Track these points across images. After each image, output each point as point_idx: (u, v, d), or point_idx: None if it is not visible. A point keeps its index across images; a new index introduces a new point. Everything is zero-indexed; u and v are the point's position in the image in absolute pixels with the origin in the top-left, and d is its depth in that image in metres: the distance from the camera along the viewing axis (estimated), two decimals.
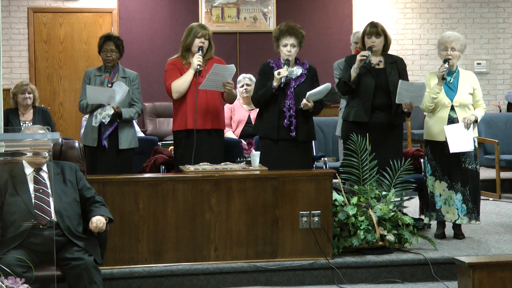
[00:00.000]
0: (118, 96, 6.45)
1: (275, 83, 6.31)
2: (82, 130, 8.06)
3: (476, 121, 6.50)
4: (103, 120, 6.45)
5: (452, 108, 6.48)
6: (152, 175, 6.07)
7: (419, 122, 10.65)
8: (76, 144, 5.43)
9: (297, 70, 6.41)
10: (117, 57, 6.67)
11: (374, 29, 6.51)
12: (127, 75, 6.68)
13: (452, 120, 6.48)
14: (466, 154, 6.47)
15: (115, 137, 6.55)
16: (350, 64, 6.52)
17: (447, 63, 6.45)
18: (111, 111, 6.45)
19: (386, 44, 6.58)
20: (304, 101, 6.26)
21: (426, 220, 6.69)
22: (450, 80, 6.51)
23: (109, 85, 6.56)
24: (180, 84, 6.45)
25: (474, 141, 6.52)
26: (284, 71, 6.31)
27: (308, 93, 6.26)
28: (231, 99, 6.69)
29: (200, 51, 6.45)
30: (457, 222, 6.52)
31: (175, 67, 6.53)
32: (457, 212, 6.49)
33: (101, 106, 6.50)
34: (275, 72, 6.32)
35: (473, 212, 6.50)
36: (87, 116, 8.20)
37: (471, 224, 6.55)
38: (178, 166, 6.28)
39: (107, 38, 6.66)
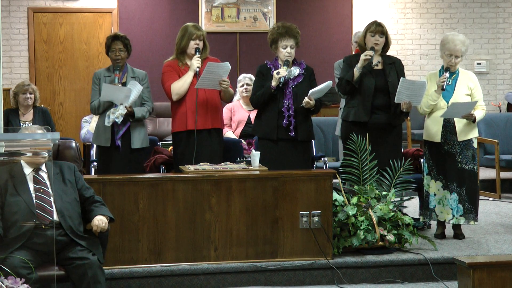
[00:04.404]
0: (133, 96, 6.44)
1: (273, 83, 6.32)
2: (83, 131, 8.08)
3: (474, 120, 6.47)
4: (117, 120, 6.42)
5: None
6: (152, 175, 6.07)
7: (419, 122, 10.65)
8: (73, 144, 5.44)
9: (295, 70, 6.41)
10: (125, 56, 6.67)
11: (380, 28, 6.50)
12: (136, 74, 6.68)
13: (448, 120, 6.47)
14: (463, 155, 6.46)
15: (127, 137, 6.55)
16: (349, 64, 6.53)
17: (448, 71, 6.43)
18: (124, 111, 6.42)
19: (387, 45, 6.58)
20: (306, 99, 6.27)
21: (421, 219, 6.70)
22: (449, 81, 6.48)
23: (119, 85, 6.55)
24: (180, 86, 6.45)
25: (473, 142, 6.52)
26: (283, 71, 6.31)
27: (310, 91, 6.27)
28: (228, 97, 6.69)
29: (197, 53, 6.45)
30: (452, 222, 6.51)
31: (172, 69, 6.53)
32: (451, 212, 6.48)
33: (113, 106, 6.49)
34: (274, 72, 6.33)
35: (471, 212, 6.49)
36: (87, 117, 8.22)
37: (469, 224, 6.54)
38: (178, 166, 6.28)
39: (114, 38, 6.66)
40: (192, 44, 6.48)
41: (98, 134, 6.63)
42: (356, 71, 6.41)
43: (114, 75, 6.59)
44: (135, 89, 6.45)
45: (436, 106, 6.47)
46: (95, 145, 7.03)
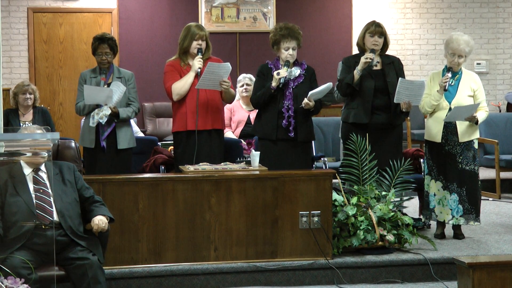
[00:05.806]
0: (116, 96, 6.42)
1: (274, 84, 6.31)
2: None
3: (476, 122, 6.46)
4: (101, 121, 6.42)
5: (450, 110, 6.45)
6: (152, 175, 6.07)
7: (419, 122, 10.66)
8: (73, 144, 5.45)
9: (296, 71, 6.40)
10: (111, 59, 6.64)
11: (379, 28, 6.47)
12: (122, 75, 6.65)
13: (449, 121, 6.47)
14: (464, 155, 6.46)
15: (113, 138, 6.53)
16: (348, 65, 6.52)
17: (450, 72, 6.41)
18: (109, 111, 6.42)
19: (385, 45, 6.57)
20: (306, 100, 6.26)
21: (423, 219, 6.70)
22: (452, 82, 6.45)
23: (105, 86, 6.54)
24: (181, 86, 6.44)
25: (474, 143, 6.51)
26: (283, 72, 6.31)
27: (310, 92, 6.26)
28: (229, 98, 6.68)
29: (199, 54, 6.44)
30: (451, 222, 6.50)
31: (174, 69, 6.52)
32: (450, 213, 6.47)
33: (98, 106, 6.48)
34: (275, 73, 6.32)
35: (471, 213, 6.47)
36: None
37: (469, 225, 6.53)
38: (178, 166, 6.28)
39: (101, 41, 6.60)
40: (195, 44, 6.46)
41: (83, 135, 6.61)
42: (356, 73, 6.39)
43: (101, 79, 6.57)
44: (119, 90, 6.43)
45: (438, 106, 6.46)
46: None
